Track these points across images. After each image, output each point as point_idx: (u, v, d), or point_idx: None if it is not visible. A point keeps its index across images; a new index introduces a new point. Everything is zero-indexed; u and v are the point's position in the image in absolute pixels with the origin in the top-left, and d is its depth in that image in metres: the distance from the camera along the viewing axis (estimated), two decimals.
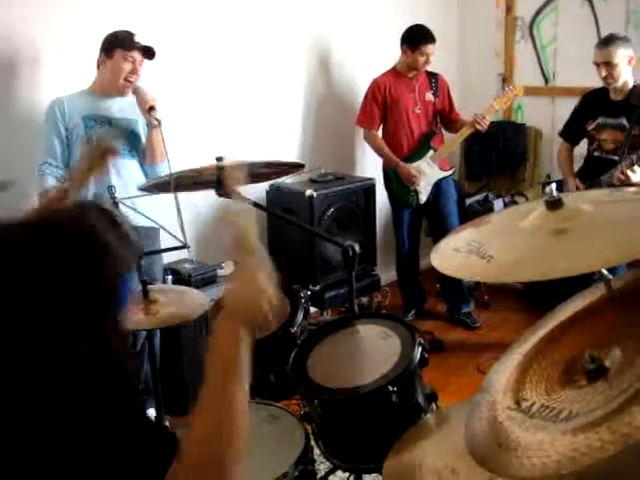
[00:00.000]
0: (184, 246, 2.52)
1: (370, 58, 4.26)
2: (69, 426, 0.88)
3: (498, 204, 4.22)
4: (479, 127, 3.71)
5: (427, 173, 3.84)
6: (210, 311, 2.14)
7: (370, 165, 4.24)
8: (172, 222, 2.50)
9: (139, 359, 2.85)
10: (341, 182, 3.96)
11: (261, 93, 3.85)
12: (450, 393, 2.01)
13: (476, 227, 1.20)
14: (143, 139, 2.90)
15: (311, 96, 4.16)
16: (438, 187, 3.89)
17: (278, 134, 3.98)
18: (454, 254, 1.09)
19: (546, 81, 4.58)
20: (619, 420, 0.80)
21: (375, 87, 3.89)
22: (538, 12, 4.52)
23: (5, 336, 0.89)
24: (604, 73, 3.29)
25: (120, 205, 2.33)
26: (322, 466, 2.08)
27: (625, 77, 3.31)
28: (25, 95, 2.96)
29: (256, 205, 2.17)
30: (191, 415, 0.97)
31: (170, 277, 3.10)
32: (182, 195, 2.46)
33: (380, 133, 3.99)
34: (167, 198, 2.43)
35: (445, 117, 3.99)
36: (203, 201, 3.41)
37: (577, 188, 3.42)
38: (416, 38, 3.76)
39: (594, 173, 3.39)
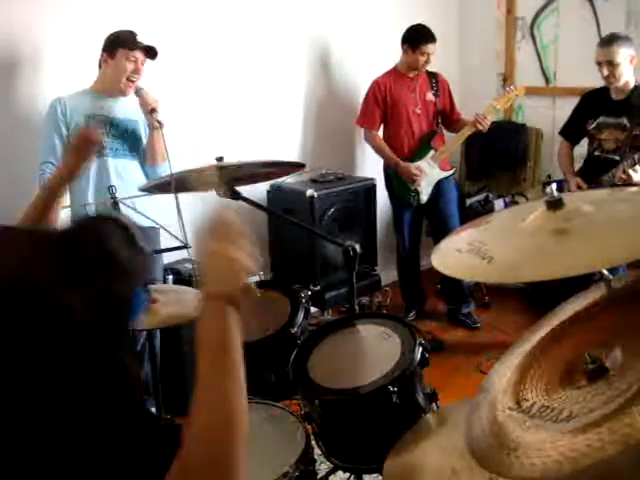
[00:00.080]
0: (184, 246, 2.52)
1: (371, 58, 4.26)
2: (75, 421, 0.88)
3: (499, 204, 4.23)
4: (480, 127, 3.71)
5: (428, 173, 3.84)
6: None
7: (371, 165, 4.24)
8: (172, 222, 2.50)
9: (139, 359, 2.85)
10: (342, 182, 3.96)
11: (262, 93, 3.85)
12: (450, 393, 2.00)
13: (476, 227, 1.20)
14: (144, 139, 2.90)
15: (312, 96, 4.16)
16: (439, 187, 3.89)
17: (279, 134, 3.98)
18: (455, 254, 1.09)
19: (547, 81, 4.58)
20: (619, 420, 0.80)
21: (375, 87, 3.89)
22: (539, 12, 4.52)
23: (16, 340, 0.89)
24: (606, 72, 3.29)
25: (120, 205, 2.33)
26: (322, 466, 2.08)
27: (626, 76, 3.31)
28: (26, 94, 2.97)
29: (256, 205, 2.18)
30: (190, 411, 0.96)
31: (170, 277, 3.10)
32: (182, 195, 2.46)
33: (381, 133, 3.99)
34: (167, 198, 2.44)
35: (446, 117, 3.99)
36: (203, 201, 3.42)
37: (579, 187, 3.42)
38: (416, 38, 3.77)
39: (594, 173, 3.39)
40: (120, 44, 2.77)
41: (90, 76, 2.88)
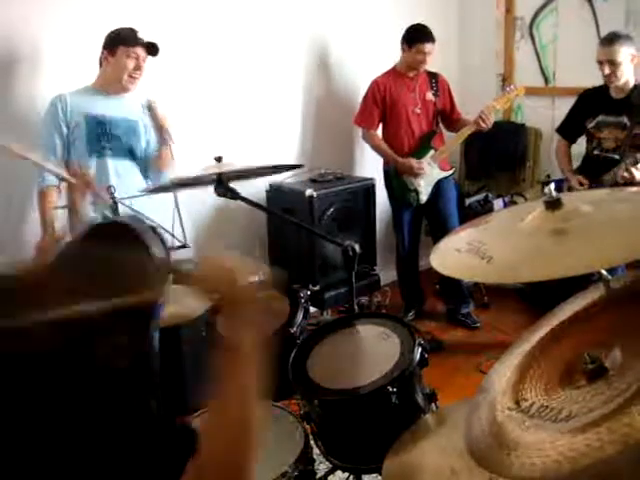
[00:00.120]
0: (184, 246, 2.52)
1: (370, 58, 4.26)
2: (90, 424, 0.89)
3: (498, 204, 4.23)
4: (483, 125, 3.70)
5: (428, 173, 3.84)
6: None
7: (370, 165, 4.24)
8: (172, 222, 2.50)
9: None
10: (341, 182, 3.96)
11: (261, 93, 3.85)
12: (450, 393, 2.00)
13: (476, 227, 1.20)
14: (143, 139, 2.90)
15: (311, 96, 4.16)
16: (438, 187, 3.88)
17: (278, 134, 3.98)
18: (454, 254, 1.10)
19: (546, 81, 4.58)
20: (619, 420, 0.80)
21: (375, 87, 3.89)
22: (538, 12, 4.52)
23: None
24: (607, 71, 3.29)
25: (119, 205, 2.33)
26: (322, 466, 2.08)
27: (627, 75, 3.31)
28: (24, 93, 2.96)
29: (256, 205, 2.17)
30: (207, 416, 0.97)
31: (170, 277, 3.09)
32: (181, 195, 2.46)
33: (380, 133, 3.99)
34: (166, 198, 2.44)
35: (447, 117, 3.99)
36: (202, 202, 3.42)
37: (581, 184, 3.41)
38: (414, 36, 3.77)
39: (593, 172, 3.39)
40: (121, 41, 2.76)
41: (89, 74, 2.87)
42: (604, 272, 1.06)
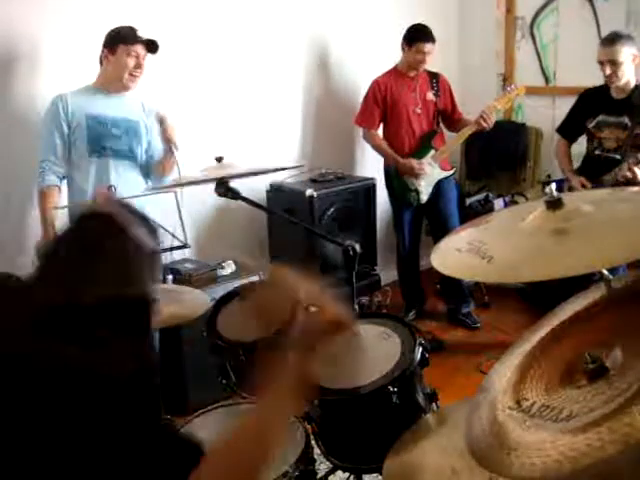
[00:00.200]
0: (184, 246, 2.52)
1: (370, 58, 4.26)
2: (90, 433, 0.88)
3: (498, 204, 4.23)
4: (485, 124, 3.70)
5: (428, 173, 3.84)
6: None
7: (370, 165, 4.24)
8: (172, 222, 2.50)
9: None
10: (341, 182, 3.96)
11: (262, 93, 3.85)
12: (450, 393, 2.00)
13: (476, 227, 1.20)
14: (144, 140, 2.91)
15: (312, 96, 4.16)
16: (439, 187, 3.88)
17: (279, 134, 3.98)
18: (454, 254, 1.09)
19: (546, 81, 4.57)
20: (619, 420, 0.80)
21: (376, 87, 3.89)
22: (538, 12, 4.52)
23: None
24: (608, 71, 3.28)
25: None
26: (322, 466, 2.08)
27: (628, 75, 3.30)
28: (23, 92, 2.96)
29: (256, 205, 2.17)
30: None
31: (170, 277, 3.10)
32: (182, 195, 2.46)
33: (381, 133, 3.99)
34: (167, 198, 2.44)
35: (448, 117, 3.99)
36: (203, 201, 3.42)
37: (583, 186, 3.40)
38: (414, 36, 3.77)
39: (594, 172, 3.38)
40: (121, 40, 2.77)
41: (89, 73, 2.88)
42: (605, 272, 1.06)
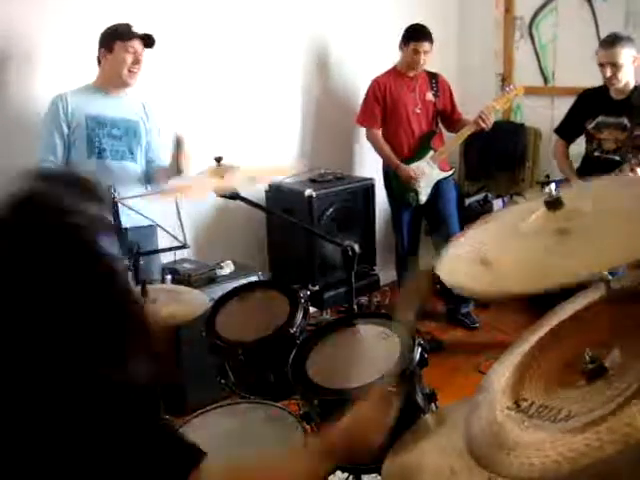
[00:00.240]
0: (183, 246, 2.52)
1: (370, 58, 4.26)
2: (85, 430, 0.88)
3: (497, 204, 4.23)
4: (484, 125, 3.70)
5: (427, 173, 3.84)
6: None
7: (370, 165, 4.24)
8: (171, 222, 2.50)
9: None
10: (341, 182, 3.96)
11: (261, 93, 3.85)
12: (450, 393, 2.00)
13: (478, 230, 1.19)
14: (143, 140, 2.91)
15: (311, 96, 4.16)
16: (438, 187, 3.89)
17: (278, 134, 3.98)
18: (459, 266, 1.08)
19: (545, 81, 4.58)
20: (618, 420, 0.80)
21: (375, 86, 3.89)
22: (537, 12, 4.52)
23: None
24: (609, 73, 3.28)
25: (119, 204, 2.33)
26: None
27: (628, 77, 3.30)
28: (21, 92, 2.96)
29: (255, 205, 2.17)
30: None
31: (169, 277, 3.10)
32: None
33: (381, 133, 3.99)
34: (167, 198, 2.44)
35: (447, 117, 3.99)
36: (202, 201, 3.42)
37: None
38: (411, 35, 3.78)
39: (593, 173, 3.38)
40: (117, 37, 2.76)
41: (87, 73, 2.87)
42: (605, 272, 1.05)
